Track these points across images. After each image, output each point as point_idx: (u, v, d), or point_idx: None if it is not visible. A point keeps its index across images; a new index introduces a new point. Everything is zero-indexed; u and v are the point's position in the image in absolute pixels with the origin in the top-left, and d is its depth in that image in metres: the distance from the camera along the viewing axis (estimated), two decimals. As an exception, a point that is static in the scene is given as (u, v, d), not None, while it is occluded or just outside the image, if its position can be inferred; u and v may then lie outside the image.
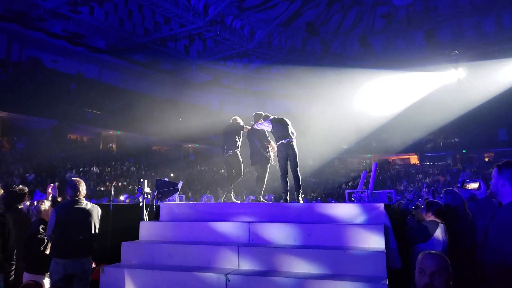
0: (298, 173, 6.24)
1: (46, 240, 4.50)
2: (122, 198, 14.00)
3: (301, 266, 3.83)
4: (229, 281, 3.68)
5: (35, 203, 5.03)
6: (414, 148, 35.51)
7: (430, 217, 4.14)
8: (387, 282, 3.35)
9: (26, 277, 4.43)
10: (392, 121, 31.91)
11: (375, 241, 3.98)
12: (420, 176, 31.64)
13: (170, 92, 34.90)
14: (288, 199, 6.07)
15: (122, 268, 4.19)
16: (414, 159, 37.86)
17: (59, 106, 25.32)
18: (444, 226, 4.00)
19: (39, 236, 4.51)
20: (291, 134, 6.28)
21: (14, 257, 3.44)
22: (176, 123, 30.07)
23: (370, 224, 4.26)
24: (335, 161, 37.66)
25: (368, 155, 37.72)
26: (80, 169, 21.70)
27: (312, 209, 4.85)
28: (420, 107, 30.93)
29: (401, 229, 4.52)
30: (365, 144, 36.01)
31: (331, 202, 15.25)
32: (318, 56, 35.51)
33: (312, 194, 26.34)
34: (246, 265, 4.02)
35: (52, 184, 6.38)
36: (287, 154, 6.26)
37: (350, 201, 5.85)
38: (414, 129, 32.69)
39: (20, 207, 5.39)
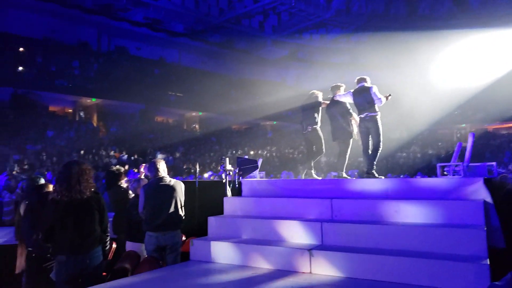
0: (379, 149, 5.92)
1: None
2: (206, 175, 14.65)
3: (387, 243, 3.66)
4: (313, 256, 3.67)
5: (132, 181, 5.51)
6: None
7: None
8: (488, 262, 3.06)
9: (128, 245, 4.92)
10: (492, 86, 28.51)
11: (473, 218, 3.64)
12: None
13: (246, 70, 35.32)
14: (374, 173, 5.82)
15: (209, 241, 4.40)
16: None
17: (145, 90, 27.12)
18: None
19: (137, 207, 4.93)
20: (373, 107, 5.93)
21: (109, 230, 3.82)
22: (253, 102, 30.47)
23: (467, 200, 3.90)
24: (425, 133, 35.07)
25: (463, 125, 34.26)
26: (167, 149, 23.18)
27: (400, 184, 4.59)
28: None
29: (506, 206, 4.08)
30: (460, 113, 32.74)
31: (420, 177, 14.37)
32: (403, 20, 32.84)
33: (401, 169, 25.10)
34: (330, 241, 3.96)
35: (144, 164, 6.89)
36: (368, 128, 5.98)
37: (443, 176, 5.41)
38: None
39: (120, 184, 5.96)
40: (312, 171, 6.61)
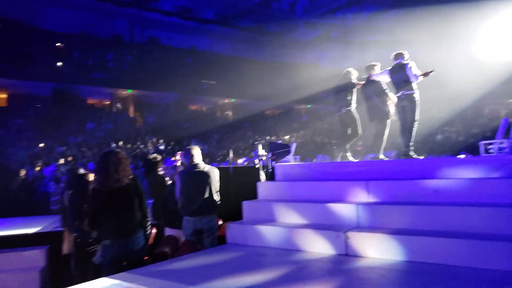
0: (414, 128, 5.72)
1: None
2: (240, 161, 14.78)
3: (425, 225, 3.55)
4: (349, 238, 3.62)
5: (168, 168, 5.65)
6: None
7: None
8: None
9: (167, 231, 5.08)
10: None
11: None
12: None
13: (278, 54, 35.00)
14: (411, 154, 5.65)
15: (245, 224, 4.45)
16: None
17: (178, 80, 27.55)
18: None
19: (173, 194, 5.07)
20: (409, 85, 5.71)
21: (149, 215, 3.95)
22: (286, 86, 30.19)
23: (512, 177, 3.70)
24: (468, 110, 33.44)
25: (511, 100, 32.26)
26: (202, 137, 23.54)
27: (439, 164, 4.40)
28: None
29: None
30: (507, 87, 30.81)
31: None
32: (442, -10, 31.13)
33: (442, 149, 24.19)
34: (366, 223, 3.90)
35: (180, 152, 7.03)
36: (403, 107, 5.78)
37: (487, 154, 5.15)
38: None
39: (157, 172, 6.11)
40: (348, 154, 6.49)
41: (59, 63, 25.06)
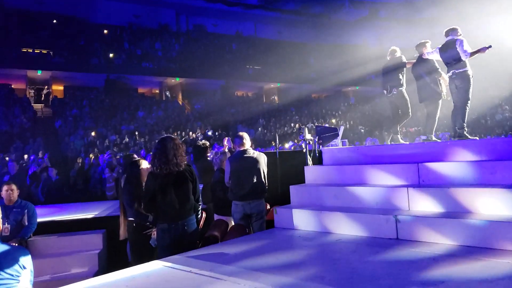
0: (467, 107, 5.43)
1: (227, 186, 5.17)
2: (287, 146, 14.79)
3: (480, 207, 3.41)
4: (399, 221, 3.56)
5: (215, 154, 5.80)
6: None
7: None
8: None
9: (216, 217, 5.25)
10: None
11: None
12: None
13: (324, 35, 34.28)
14: (466, 134, 5.40)
15: (292, 209, 4.49)
16: None
17: (224, 66, 27.86)
18: None
19: (220, 183, 5.21)
20: (460, 62, 5.41)
21: (201, 199, 4.10)
22: (333, 67, 29.53)
23: None
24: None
25: None
26: (249, 122, 23.75)
27: (495, 144, 4.18)
28: None
29: None
30: None
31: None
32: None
33: (498, 130, 22.79)
34: (417, 206, 3.80)
35: (227, 138, 7.19)
36: (456, 86, 5.50)
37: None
38: None
39: (206, 158, 6.31)
40: (399, 136, 6.32)
41: (111, 55, 26.18)
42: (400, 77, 6.22)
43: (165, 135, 4.13)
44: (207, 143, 6.83)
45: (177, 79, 27.67)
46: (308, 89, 31.17)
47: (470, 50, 5.35)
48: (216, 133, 20.61)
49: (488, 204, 3.40)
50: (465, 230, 3.22)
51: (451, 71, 5.51)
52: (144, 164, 4.53)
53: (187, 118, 23.74)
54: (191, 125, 22.28)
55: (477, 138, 5.10)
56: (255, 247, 3.70)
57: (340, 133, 6.91)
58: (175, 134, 19.16)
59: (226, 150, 6.55)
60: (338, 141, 6.60)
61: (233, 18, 32.67)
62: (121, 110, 22.87)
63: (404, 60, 6.29)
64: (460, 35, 5.59)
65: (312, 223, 4.21)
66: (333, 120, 25.06)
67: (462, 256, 2.97)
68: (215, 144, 13.51)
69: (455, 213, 3.50)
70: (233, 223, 4.96)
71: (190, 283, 2.81)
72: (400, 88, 6.22)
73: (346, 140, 8.56)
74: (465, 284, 2.41)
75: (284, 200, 4.97)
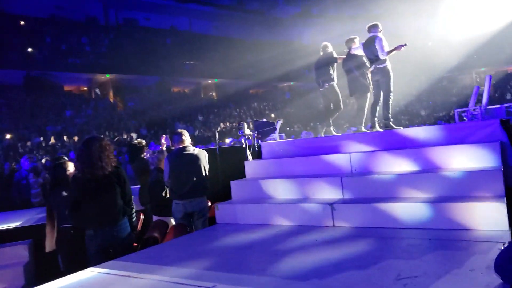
0: (390, 100, 5.82)
1: (166, 186, 5.04)
2: (228, 141, 14.79)
3: (406, 192, 3.69)
4: (335, 210, 3.73)
5: (152, 153, 5.62)
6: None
7: None
8: (506, 201, 3.06)
9: (155, 219, 5.09)
10: (509, 26, 27.37)
11: (490, 160, 3.65)
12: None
13: (260, 32, 34.62)
14: (392, 125, 5.76)
15: (234, 204, 4.52)
16: (542, 66, 32.25)
17: (159, 62, 27.04)
18: None
19: (158, 183, 5.07)
20: (378, 59, 5.74)
21: (133, 202, 3.93)
22: (269, 63, 29.99)
23: (483, 142, 3.87)
24: (444, 80, 34.11)
25: (483, 69, 33.17)
26: (187, 119, 23.36)
27: (416, 133, 4.56)
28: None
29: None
30: (478, 57, 31.65)
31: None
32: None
33: (420, 119, 24.70)
34: (350, 194, 4.01)
35: (164, 136, 7.02)
36: (377, 81, 5.87)
37: (461, 121, 5.31)
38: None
39: (142, 157, 6.08)
40: (331, 128, 6.58)
41: (30, 49, 24.04)
42: (331, 72, 6.47)
43: (96, 135, 3.90)
44: (143, 142, 6.60)
45: (108, 76, 26.35)
46: (246, 84, 31.35)
47: (387, 49, 5.72)
48: (152, 131, 20.01)
49: (411, 188, 3.68)
50: (396, 212, 3.45)
51: (373, 66, 5.87)
52: (71, 167, 4.26)
53: (120, 117, 22.74)
54: (125, 123, 21.40)
55: (401, 128, 5.48)
56: (196, 246, 3.67)
57: (278, 127, 7.06)
58: (107, 134, 18.31)
59: (164, 148, 6.39)
60: (276, 135, 6.74)
61: (167, 12, 31.79)
62: (45, 110, 21.25)
63: (335, 55, 6.55)
64: (381, 31, 5.94)
65: (253, 217, 4.26)
66: (272, 115, 25.48)
67: (394, 238, 3.18)
68: (152, 143, 13.12)
69: (384, 198, 3.74)
70: (173, 223, 4.86)
71: None
72: (332, 83, 6.47)
73: (284, 134, 8.76)
74: (395, 264, 2.58)
75: (225, 196, 4.98)
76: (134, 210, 3.93)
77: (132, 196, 3.95)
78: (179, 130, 5.04)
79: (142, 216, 4.87)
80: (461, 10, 29.15)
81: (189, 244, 3.72)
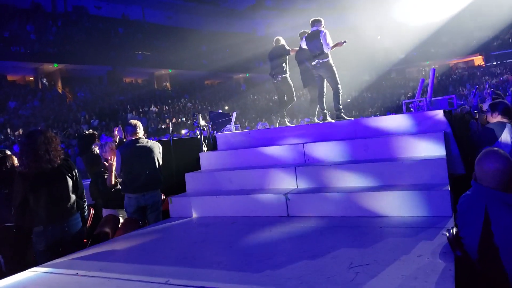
0: (339, 92, 5.94)
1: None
2: (183, 132, 14.56)
3: (357, 180, 3.80)
4: (289, 199, 3.78)
5: (103, 145, 5.38)
6: (478, 48, 32.38)
7: (496, 118, 3.90)
8: (449, 188, 3.24)
9: (105, 212, 4.91)
10: (452, 22, 29.14)
11: (434, 149, 3.82)
12: (486, 77, 29.22)
13: (215, 23, 34.22)
14: (343, 116, 5.91)
15: (188, 197, 4.44)
16: (478, 61, 34.64)
17: (110, 51, 26.03)
18: None
19: (105, 176, 4.88)
20: (324, 53, 5.83)
21: (85, 196, 3.77)
22: (225, 55, 29.78)
23: (428, 132, 4.06)
24: (393, 73, 35.66)
25: (427, 62, 35.10)
26: (140, 110, 22.70)
27: (366, 123, 4.69)
28: (484, 2, 27.69)
29: (465, 134, 4.29)
30: (424, 51, 33.43)
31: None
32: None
33: (370, 110, 25.63)
34: (304, 184, 4.07)
35: (117, 127, 6.75)
36: (321, 75, 5.98)
37: (408, 112, 5.56)
38: (477, 28, 29.61)
39: (93, 148, 5.77)
40: (285, 119, 6.66)
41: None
42: (284, 64, 6.53)
43: (41, 126, 3.68)
44: (95, 133, 6.34)
45: (56, 65, 24.99)
46: (201, 75, 30.97)
47: (331, 44, 5.82)
48: (103, 123, 19.27)
49: (361, 176, 3.80)
50: (348, 201, 3.55)
51: (316, 60, 5.91)
52: (15, 161, 4.00)
53: (69, 108, 21.69)
54: (74, 115, 20.43)
55: (352, 119, 5.63)
56: (149, 240, 3.58)
57: (233, 118, 7.03)
58: (56, 125, 17.41)
59: (117, 140, 6.16)
60: (231, 126, 6.71)
61: (119, 1, 30.58)
62: (-14, 101, 19.86)
63: (287, 48, 6.61)
64: (323, 26, 6.03)
65: (208, 209, 4.22)
66: (226, 107, 25.36)
67: (344, 227, 3.27)
68: (103, 135, 12.64)
69: (335, 187, 3.84)
70: (125, 217, 4.71)
71: (76, 287, 2.58)
72: (284, 75, 6.53)
73: (239, 125, 8.74)
74: (347, 252, 2.65)
75: (180, 189, 4.88)
76: (86, 203, 3.78)
77: (83, 189, 3.79)
78: (132, 121, 4.87)
79: (92, 211, 4.69)
80: (408, 5, 30.53)
81: (141, 239, 3.62)
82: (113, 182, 4.83)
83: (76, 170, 3.64)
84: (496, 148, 2.21)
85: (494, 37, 31.87)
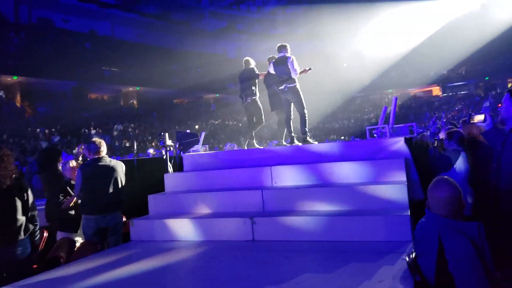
0: (305, 116, 6.02)
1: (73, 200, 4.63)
2: (151, 151, 14.25)
3: (323, 205, 3.83)
4: (255, 223, 3.73)
5: (64, 163, 5.13)
6: (436, 79, 34.55)
7: (452, 146, 4.12)
8: (409, 213, 3.31)
9: (60, 235, 4.62)
10: (413, 53, 30.99)
11: (396, 175, 3.93)
12: (444, 107, 30.86)
13: (186, 43, 34.31)
14: (309, 140, 5.97)
15: (151, 219, 4.30)
16: (436, 91, 36.93)
17: (76, 66, 25.36)
18: (466, 154, 3.99)
19: (61, 196, 4.64)
20: (291, 78, 5.93)
21: (37, 218, 3.56)
22: (195, 74, 29.78)
23: (390, 158, 4.19)
24: (357, 99, 36.92)
25: (390, 90, 36.82)
26: (104, 128, 22.12)
27: (333, 148, 4.78)
28: (442, 37, 29.67)
29: (424, 161, 4.45)
30: (387, 79, 35.10)
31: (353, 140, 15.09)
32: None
33: (335, 135, 26.23)
34: (271, 207, 4.04)
35: (83, 145, 6.44)
36: (288, 100, 6.07)
37: (372, 138, 5.71)
38: (435, 60, 31.60)
39: (55, 167, 5.40)
40: (254, 141, 6.65)
41: None
42: (253, 87, 6.58)
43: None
44: (59, 149, 6.04)
45: (15, 78, 24.00)
46: (170, 94, 30.73)
47: (299, 70, 5.95)
48: (65, 140, 18.59)
49: (327, 200, 3.83)
50: (314, 225, 3.55)
51: (284, 85, 5.99)
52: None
53: (28, 123, 20.80)
54: (33, 130, 19.60)
55: (316, 143, 5.71)
56: (107, 265, 3.39)
57: (201, 139, 6.95)
58: (11, 141, 16.61)
59: (80, 158, 5.91)
60: (199, 146, 6.62)
61: (87, 15, 30.10)
62: None
63: (257, 71, 6.70)
64: (290, 52, 6.17)
65: (171, 233, 4.09)
66: (196, 126, 25.20)
67: (309, 251, 3.24)
68: (63, 152, 12.14)
69: (302, 211, 3.83)
70: (81, 241, 4.47)
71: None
72: (254, 97, 6.57)
73: (207, 145, 8.67)
74: (310, 278, 2.62)
75: (142, 211, 4.71)
76: (38, 227, 3.55)
77: (36, 211, 3.57)
78: (96, 140, 4.71)
79: (46, 234, 4.43)
80: (373, 34, 32.12)
81: (99, 264, 3.43)
82: (71, 204, 4.60)
83: (29, 191, 3.43)
84: (446, 177, 2.30)
85: (450, 70, 33.96)
